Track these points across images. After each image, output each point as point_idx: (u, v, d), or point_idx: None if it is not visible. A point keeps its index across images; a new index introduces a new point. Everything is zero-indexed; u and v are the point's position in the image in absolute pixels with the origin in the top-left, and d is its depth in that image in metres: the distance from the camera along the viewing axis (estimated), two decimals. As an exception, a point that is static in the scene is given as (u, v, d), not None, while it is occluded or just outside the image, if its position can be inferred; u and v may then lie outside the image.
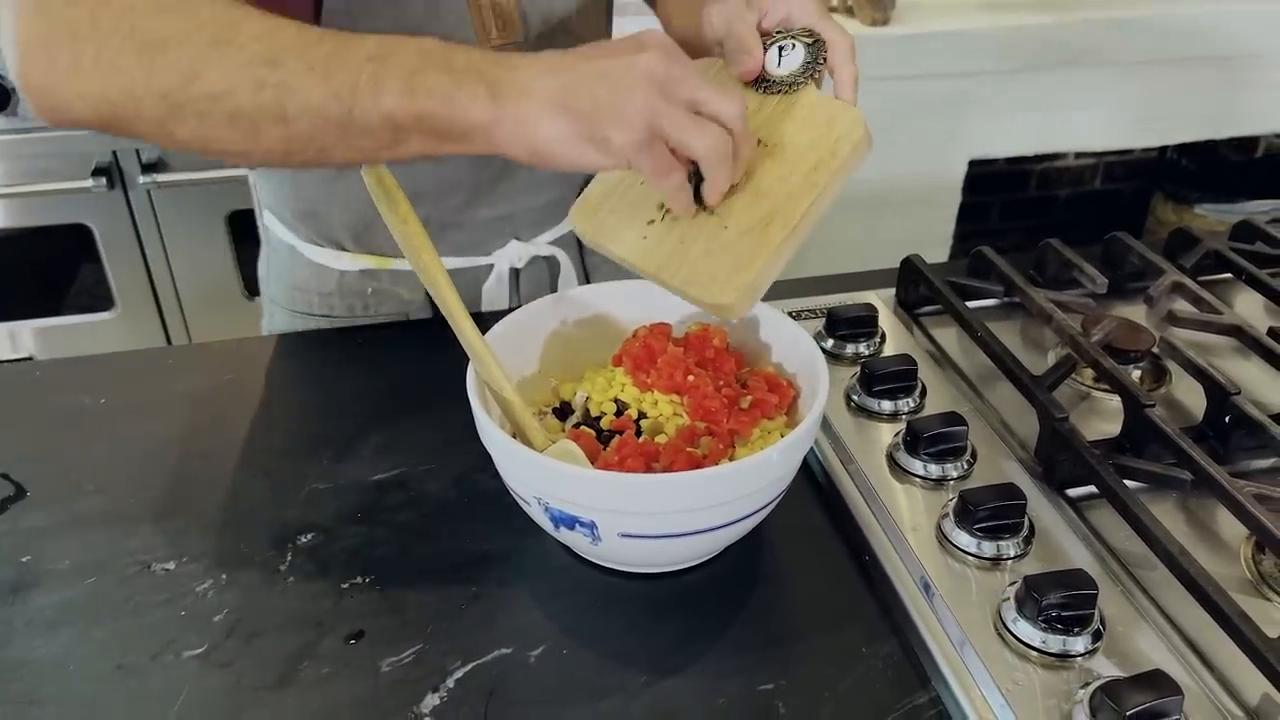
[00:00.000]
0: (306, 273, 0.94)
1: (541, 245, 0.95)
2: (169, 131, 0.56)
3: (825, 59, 0.65)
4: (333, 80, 0.54)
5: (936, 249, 2.14)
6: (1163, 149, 2.48)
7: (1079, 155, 2.49)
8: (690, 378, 0.65)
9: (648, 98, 0.54)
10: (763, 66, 0.65)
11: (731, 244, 0.61)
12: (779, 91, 0.65)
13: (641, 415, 0.65)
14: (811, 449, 0.72)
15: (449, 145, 0.56)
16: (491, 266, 0.93)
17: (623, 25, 1.72)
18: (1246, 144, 2.43)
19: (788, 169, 0.62)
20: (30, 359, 1.82)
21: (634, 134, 0.54)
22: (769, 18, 0.66)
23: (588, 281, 1.00)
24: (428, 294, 0.93)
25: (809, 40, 0.65)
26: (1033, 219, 2.57)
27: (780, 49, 0.65)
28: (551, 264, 0.97)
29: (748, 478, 0.57)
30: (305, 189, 0.89)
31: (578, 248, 0.99)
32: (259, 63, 0.54)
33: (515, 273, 0.95)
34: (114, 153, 1.68)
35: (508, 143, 0.55)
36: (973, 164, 2.08)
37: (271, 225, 0.96)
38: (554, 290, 0.98)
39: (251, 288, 1.87)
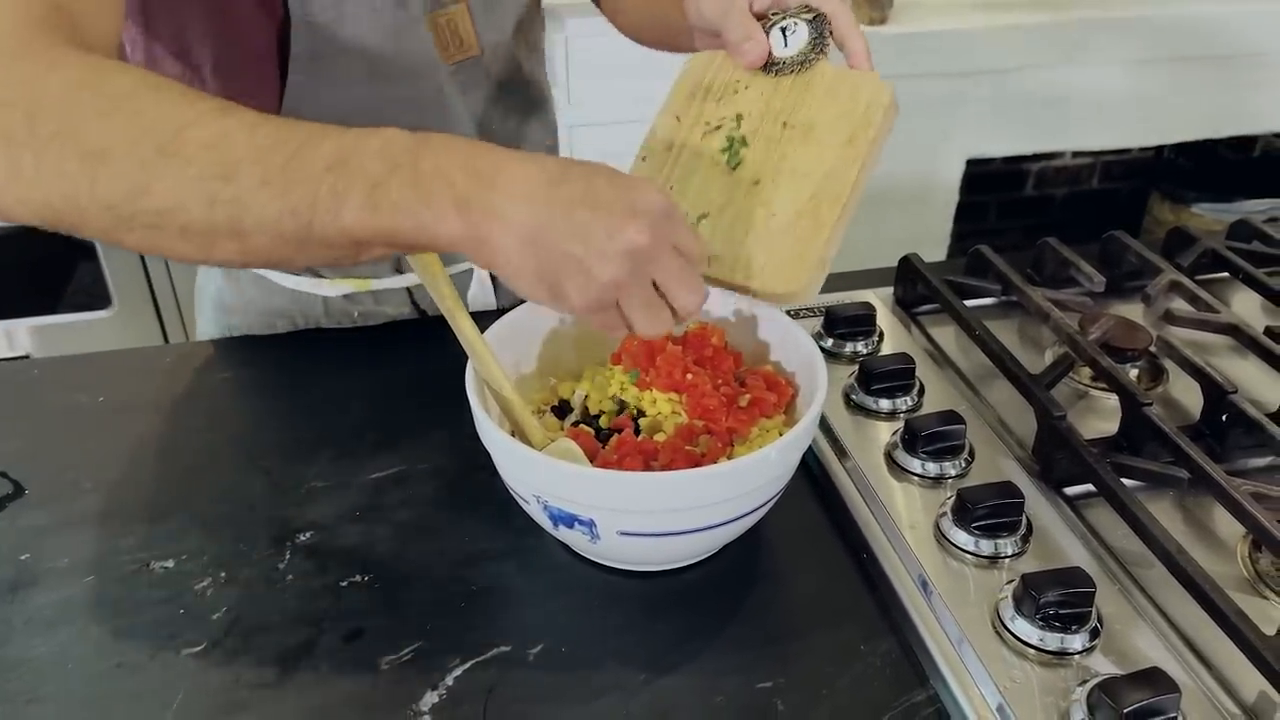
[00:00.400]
0: (284, 300, 0.92)
1: None
2: (117, 239, 0.52)
3: (830, 32, 0.64)
4: (290, 195, 0.49)
5: (934, 248, 2.14)
6: (1160, 148, 2.49)
7: (1076, 154, 2.49)
8: (689, 376, 0.65)
9: (619, 273, 0.51)
10: (768, 50, 0.65)
11: (783, 230, 0.61)
12: (791, 72, 0.65)
13: (640, 414, 0.65)
14: (810, 447, 0.72)
15: (412, 252, 0.54)
16: (472, 271, 0.93)
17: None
18: (1244, 143, 2.44)
19: (821, 146, 0.62)
20: (27, 357, 1.82)
21: (592, 300, 0.51)
22: (759, 0, 0.65)
23: None
24: (415, 304, 0.93)
25: (810, 16, 0.64)
26: (1030, 218, 2.57)
27: (783, 30, 0.65)
28: None
29: (746, 476, 0.58)
30: None
31: None
32: (210, 176, 0.49)
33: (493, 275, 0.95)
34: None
35: (470, 254, 0.52)
36: (970, 163, 2.08)
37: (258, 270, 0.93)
38: None
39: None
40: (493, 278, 0.94)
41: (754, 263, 0.62)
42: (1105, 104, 2.04)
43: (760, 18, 0.65)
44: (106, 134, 0.50)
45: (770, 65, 0.65)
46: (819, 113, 0.63)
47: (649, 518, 0.58)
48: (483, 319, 0.67)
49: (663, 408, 0.65)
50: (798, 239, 0.61)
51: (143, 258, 1.78)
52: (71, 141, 0.50)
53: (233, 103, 0.52)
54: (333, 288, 0.90)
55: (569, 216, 0.50)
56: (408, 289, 0.92)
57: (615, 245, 0.50)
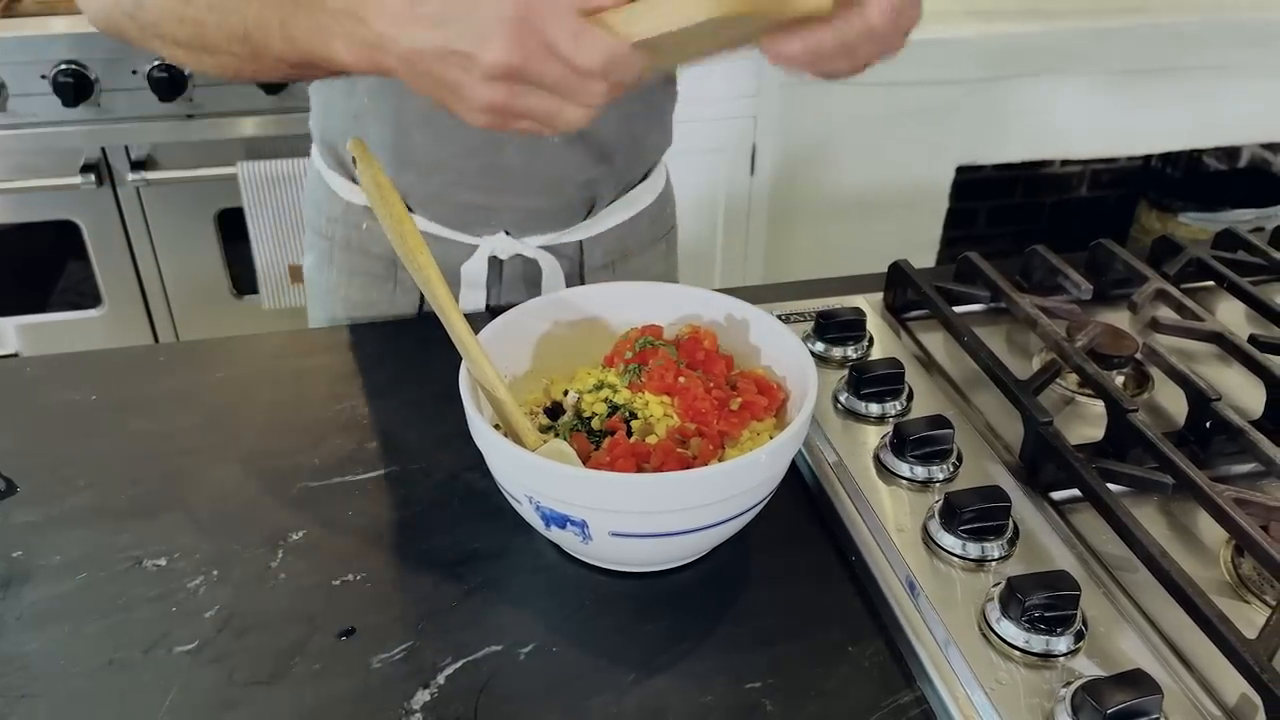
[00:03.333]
0: (321, 194, 0.98)
1: (529, 246, 0.95)
2: (152, 47, 0.67)
3: None
4: (228, 22, 0.61)
5: (923, 254, 2.15)
6: (1148, 157, 2.51)
7: (1065, 163, 2.51)
8: (681, 379, 0.65)
9: (494, 96, 0.53)
10: None
11: None
12: None
13: (632, 416, 0.66)
14: (800, 450, 0.73)
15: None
16: (475, 247, 0.93)
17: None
18: (1230, 154, 2.46)
19: None
20: (15, 355, 1.81)
21: (480, 121, 0.56)
22: None
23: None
24: (419, 293, 0.94)
25: None
26: (1019, 225, 2.59)
27: None
28: (539, 266, 0.97)
29: (737, 478, 0.58)
30: (332, 122, 0.93)
31: (579, 262, 0.99)
32: None
33: (499, 263, 0.95)
34: (103, 149, 1.68)
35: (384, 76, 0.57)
36: (960, 170, 2.09)
37: (315, 151, 1.01)
38: (536, 289, 0.98)
39: (240, 286, 1.87)
40: (495, 264, 0.94)
41: None
42: (1094, 113, 2.06)
43: None
44: None
45: None
46: None
47: (640, 519, 0.58)
48: (476, 320, 0.67)
49: (655, 410, 0.65)
50: None
51: (133, 257, 1.78)
52: None
53: None
54: (351, 192, 0.95)
55: (433, 40, 0.52)
56: None
57: (483, 67, 0.52)
